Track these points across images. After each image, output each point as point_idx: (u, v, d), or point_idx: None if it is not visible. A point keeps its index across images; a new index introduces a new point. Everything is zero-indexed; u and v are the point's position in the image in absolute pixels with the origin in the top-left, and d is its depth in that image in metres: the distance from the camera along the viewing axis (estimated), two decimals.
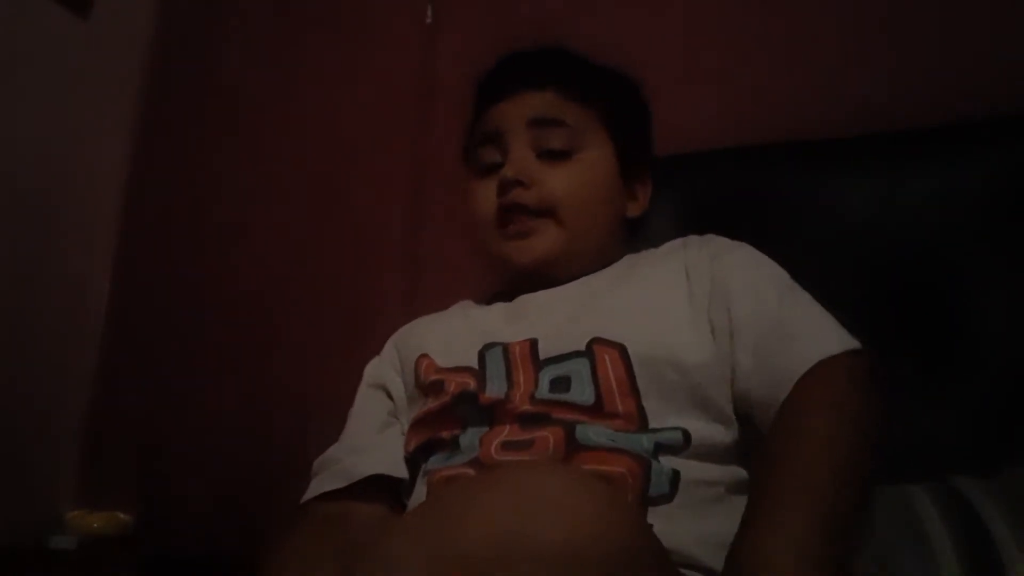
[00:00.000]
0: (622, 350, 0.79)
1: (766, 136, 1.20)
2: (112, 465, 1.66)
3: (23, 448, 1.57)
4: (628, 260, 0.96)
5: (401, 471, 0.87)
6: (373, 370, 1.00)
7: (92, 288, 1.75)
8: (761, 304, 0.81)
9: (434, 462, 0.82)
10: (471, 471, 0.76)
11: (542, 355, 0.82)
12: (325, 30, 1.71)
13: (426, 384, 0.88)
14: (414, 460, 0.87)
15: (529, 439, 0.76)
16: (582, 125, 0.94)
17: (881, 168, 1.09)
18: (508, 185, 0.91)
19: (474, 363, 0.85)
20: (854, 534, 0.66)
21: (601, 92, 0.97)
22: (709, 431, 0.77)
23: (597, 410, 0.77)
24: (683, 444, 0.76)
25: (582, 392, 0.78)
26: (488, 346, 0.86)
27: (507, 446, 0.77)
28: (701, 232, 0.94)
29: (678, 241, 0.94)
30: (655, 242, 0.96)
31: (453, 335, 0.92)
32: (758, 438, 0.76)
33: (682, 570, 0.65)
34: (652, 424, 0.76)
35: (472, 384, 0.83)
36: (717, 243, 0.90)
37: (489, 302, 0.98)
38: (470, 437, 0.80)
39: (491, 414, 0.80)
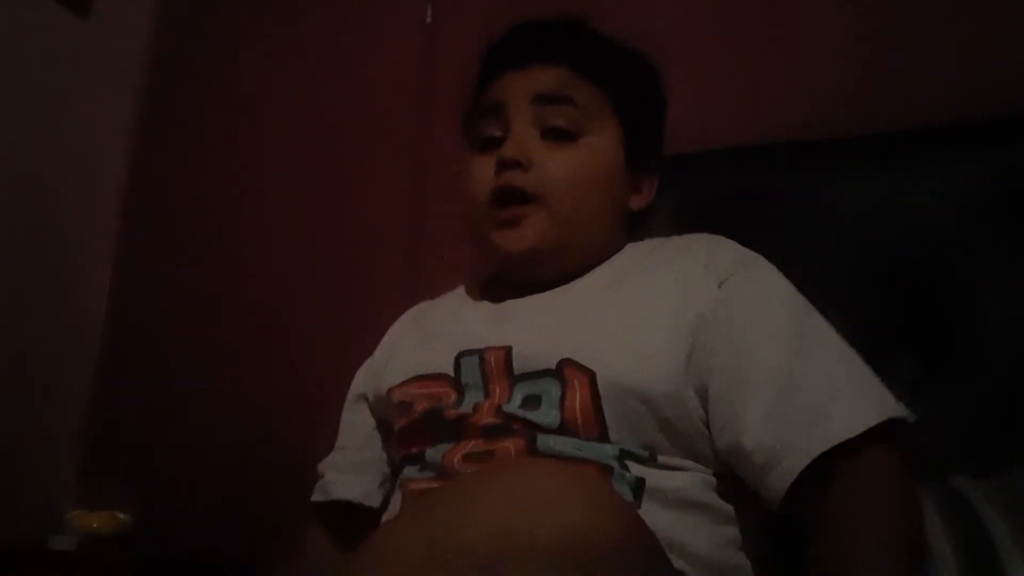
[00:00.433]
0: (592, 378, 0.76)
1: (766, 136, 1.20)
2: (112, 465, 1.66)
3: (23, 448, 1.57)
4: (627, 254, 0.92)
5: (372, 499, 0.91)
6: (360, 378, 1.01)
7: (92, 288, 1.75)
8: (773, 355, 0.75)
9: (407, 472, 0.83)
10: (438, 485, 0.76)
11: (516, 368, 0.80)
12: (325, 30, 1.71)
13: (396, 405, 0.88)
14: (395, 465, 0.90)
15: (490, 450, 0.76)
16: (591, 106, 0.89)
17: (881, 168, 1.09)
18: (506, 165, 0.86)
19: (450, 370, 0.84)
20: None
21: (615, 73, 0.92)
22: (675, 462, 0.75)
23: (561, 432, 0.76)
24: (649, 457, 0.75)
25: (547, 415, 0.76)
26: (464, 353, 0.84)
27: (468, 458, 0.77)
28: (701, 232, 0.92)
29: (684, 240, 0.90)
30: None
31: (432, 340, 0.91)
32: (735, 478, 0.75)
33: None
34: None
35: (442, 398, 0.83)
36: (727, 258, 0.84)
37: (483, 288, 0.97)
38: (434, 452, 0.80)
39: (457, 428, 0.80)
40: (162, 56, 1.86)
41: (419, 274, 1.50)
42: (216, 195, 1.74)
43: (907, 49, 1.25)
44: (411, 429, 0.84)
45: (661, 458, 0.75)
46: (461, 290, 1.01)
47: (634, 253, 0.92)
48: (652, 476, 0.73)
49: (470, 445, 0.78)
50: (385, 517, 0.84)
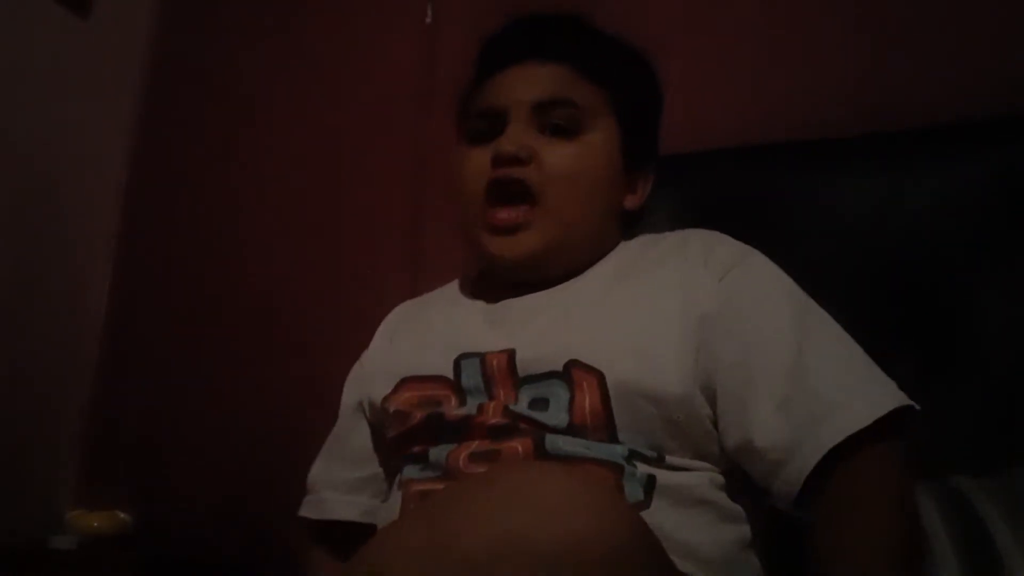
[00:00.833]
0: (600, 379, 0.75)
1: (766, 136, 1.20)
2: (112, 465, 1.66)
3: (23, 448, 1.57)
4: (622, 252, 0.91)
5: (372, 516, 0.89)
6: (352, 385, 0.99)
7: (92, 288, 1.75)
8: (779, 350, 0.75)
9: (408, 472, 0.82)
10: (441, 485, 0.75)
11: (520, 370, 0.79)
12: (325, 29, 1.71)
13: (391, 414, 0.86)
14: (390, 468, 0.89)
15: (497, 449, 0.76)
16: (590, 106, 0.88)
17: (881, 168, 1.09)
18: (505, 160, 0.84)
19: (449, 373, 0.83)
20: None
21: (614, 72, 0.90)
22: (683, 462, 0.75)
23: (569, 433, 0.75)
24: (657, 458, 0.74)
25: (556, 416, 0.76)
26: (464, 356, 0.83)
27: (474, 457, 0.76)
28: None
29: (679, 236, 0.89)
30: None
31: (428, 341, 0.90)
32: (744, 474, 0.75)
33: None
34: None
35: (441, 402, 0.82)
36: (724, 253, 0.84)
37: (477, 285, 0.95)
38: (439, 451, 0.79)
39: (461, 429, 0.79)
40: (162, 56, 1.86)
41: (419, 274, 1.50)
42: (216, 195, 1.73)
43: (907, 49, 1.25)
44: (410, 434, 0.83)
45: (669, 459, 0.75)
46: (453, 287, 0.99)
47: (629, 251, 0.91)
48: (661, 475, 0.73)
49: (475, 445, 0.77)
50: (384, 518, 0.83)
